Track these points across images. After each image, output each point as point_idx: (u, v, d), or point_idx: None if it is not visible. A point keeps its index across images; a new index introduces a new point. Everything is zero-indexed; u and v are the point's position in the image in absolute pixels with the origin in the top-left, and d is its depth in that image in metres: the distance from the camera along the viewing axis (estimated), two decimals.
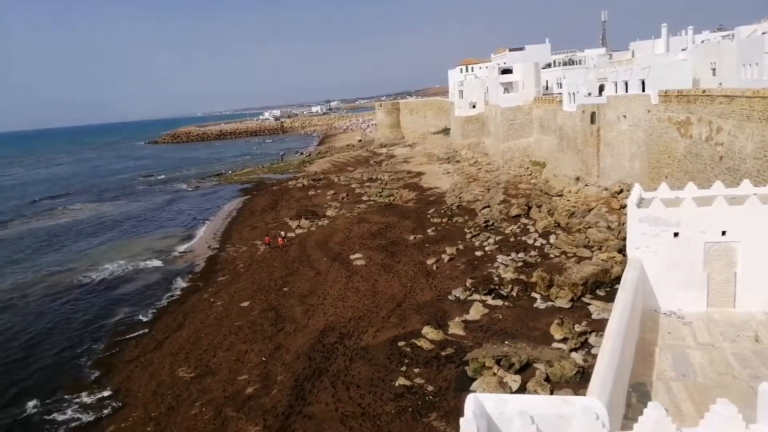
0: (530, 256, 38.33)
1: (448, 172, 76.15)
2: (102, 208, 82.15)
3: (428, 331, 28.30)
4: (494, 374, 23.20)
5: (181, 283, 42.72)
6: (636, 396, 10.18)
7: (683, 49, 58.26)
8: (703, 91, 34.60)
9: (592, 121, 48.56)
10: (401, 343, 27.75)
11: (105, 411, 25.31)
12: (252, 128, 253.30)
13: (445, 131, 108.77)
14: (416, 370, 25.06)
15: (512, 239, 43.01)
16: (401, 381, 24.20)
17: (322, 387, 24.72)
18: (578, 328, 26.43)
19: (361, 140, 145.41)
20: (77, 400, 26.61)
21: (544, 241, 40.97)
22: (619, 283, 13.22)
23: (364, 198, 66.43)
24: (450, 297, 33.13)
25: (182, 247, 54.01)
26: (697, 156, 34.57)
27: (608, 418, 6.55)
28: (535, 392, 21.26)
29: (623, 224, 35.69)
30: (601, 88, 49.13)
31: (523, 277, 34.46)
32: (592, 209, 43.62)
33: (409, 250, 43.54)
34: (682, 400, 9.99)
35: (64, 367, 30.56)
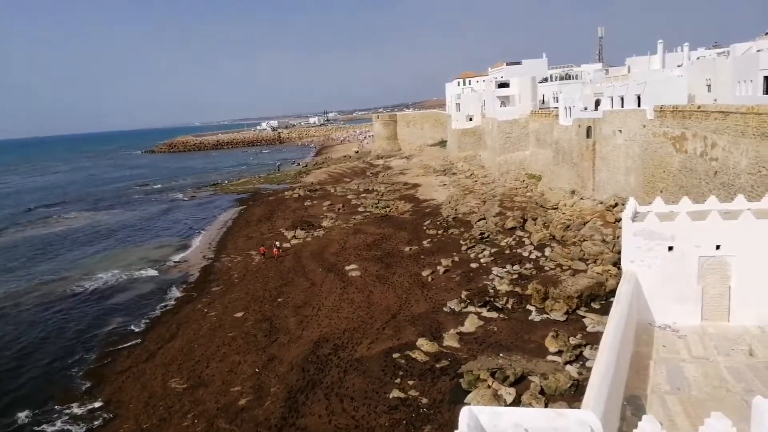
0: (525, 269, 38.33)
1: (445, 184, 76.35)
2: (97, 216, 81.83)
3: (423, 343, 28.18)
4: (489, 387, 23.08)
5: (175, 293, 42.47)
6: (631, 409, 10.15)
7: (679, 66, 58.95)
8: (698, 107, 34.92)
9: (588, 135, 48.89)
10: (396, 355, 27.60)
11: (96, 422, 25.01)
12: (249, 138, 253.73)
13: (442, 143, 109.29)
14: (411, 383, 24.91)
15: (507, 251, 43.02)
16: (395, 393, 24.03)
17: (315, 399, 24.52)
18: (573, 341, 26.37)
19: (358, 151, 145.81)
20: (68, 411, 26.31)
21: (539, 254, 41.01)
22: (613, 296, 13.23)
23: (360, 209, 66.45)
24: (445, 309, 33.04)
25: (177, 257, 53.78)
26: (692, 171, 34.79)
27: (603, 431, 6.53)
28: (530, 405, 21.17)
29: (618, 238, 35.78)
30: (597, 103, 49.56)
31: (518, 289, 34.42)
32: (587, 222, 43.75)
33: (405, 262, 43.48)
34: (676, 413, 9.96)
35: (56, 377, 30.24)
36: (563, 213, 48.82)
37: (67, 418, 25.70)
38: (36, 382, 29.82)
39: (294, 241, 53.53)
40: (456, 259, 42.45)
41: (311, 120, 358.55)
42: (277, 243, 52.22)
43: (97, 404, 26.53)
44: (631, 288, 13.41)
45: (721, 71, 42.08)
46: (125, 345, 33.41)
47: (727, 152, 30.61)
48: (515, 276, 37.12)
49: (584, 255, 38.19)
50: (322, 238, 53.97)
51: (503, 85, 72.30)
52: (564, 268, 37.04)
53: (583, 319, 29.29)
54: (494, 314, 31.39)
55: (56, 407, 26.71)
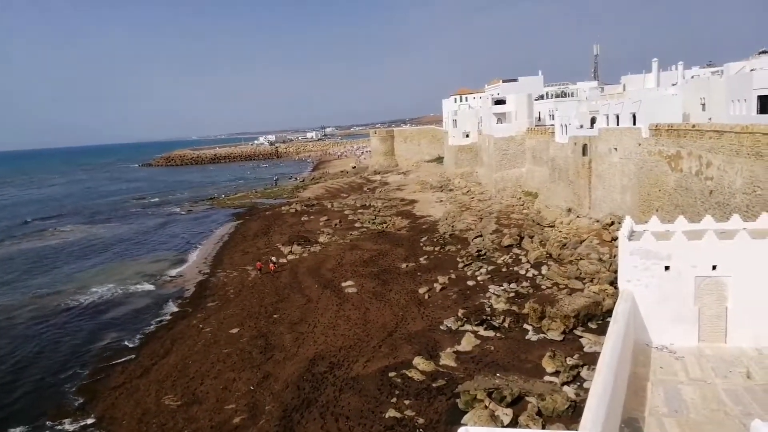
0: (522, 287, 38.28)
1: (441, 201, 76.49)
2: (93, 230, 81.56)
3: (419, 362, 28.00)
4: (486, 407, 22.88)
5: (170, 308, 42.20)
6: None
7: (673, 84, 59.60)
8: (693, 126, 35.23)
9: (584, 153, 49.19)
10: (392, 374, 27.39)
11: None
12: (246, 153, 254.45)
13: (439, 159, 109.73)
14: (407, 402, 24.69)
15: (504, 269, 43.00)
16: (391, 413, 23.80)
17: (310, 418, 24.26)
18: (570, 361, 26.24)
19: (355, 167, 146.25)
20: (59, 427, 25.99)
21: (536, 272, 40.98)
22: (610, 316, 13.22)
23: (357, 225, 66.44)
24: (442, 327, 32.88)
25: (173, 272, 53.54)
26: (687, 190, 34.99)
27: None
28: (527, 426, 20.99)
29: (615, 256, 35.82)
30: (593, 121, 49.95)
31: (515, 308, 34.34)
32: (583, 241, 43.82)
33: (401, 279, 43.37)
34: None
35: (49, 392, 29.90)
36: (560, 231, 48.91)
37: None
38: (29, 397, 29.47)
39: (290, 257, 53.39)
40: (453, 276, 42.38)
41: (309, 135, 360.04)
42: (274, 258, 52.06)
43: (89, 420, 26.21)
44: (628, 308, 13.40)
45: (715, 90, 42.54)
46: (119, 360, 33.09)
47: (722, 171, 30.83)
48: (512, 294, 37.05)
49: (581, 274, 38.19)
50: (318, 253, 53.86)
51: (500, 102, 72.91)
52: (561, 286, 37.01)
53: (580, 339, 29.17)
54: (491, 333, 31.25)
55: (48, 423, 26.39)
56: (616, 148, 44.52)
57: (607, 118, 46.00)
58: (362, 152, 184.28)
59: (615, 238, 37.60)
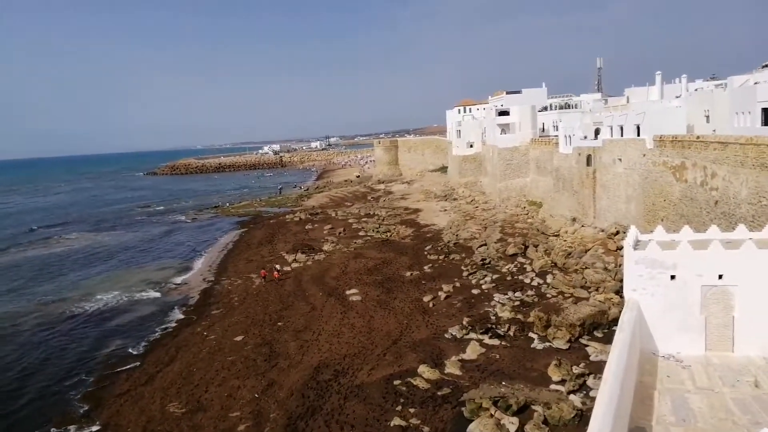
0: (527, 296, 38.26)
1: (445, 210, 76.59)
2: (99, 238, 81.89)
3: (424, 370, 27.98)
4: (491, 416, 22.85)
5: (174, 316, 42.29)
6: None
7: (677, 97, 59.72)
8: (698, 137, 35.34)
9: (588, 164, 49.32)
10: (397, 382, 27.38)
11: None
12: (251, 162, 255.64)
13: (443, 169, 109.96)
14: (412, 410, 24.66)
15: (509, 278, 42.99)
16: (396, 421, 23.78)
17: (315, 426, 24.25)
18: (576, 370, 26.19)
19: (359, 176, 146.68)
20: None
21: (541, 281, 40.97)
22: (616, 325, 13.25)
23: (361, 233, 66.55)
24: (446, 335, 32.87)
25: (178, 279, 53.69)
26: (693, 200, 35.03)
27: None
28: None
29: (620, 266, 35.81)
30: (597, 132, 50.14)
31: (520, 316, 34.32)
32: (588, 250, 43.81)
33: (406, 287, 43.40)
34: None
35: (54, 399, 29.96)
36: (564, 240, 48.93)
37: None
38: (35, 404, 29.53)
39: (294, 265, 53.50)
40: (457, 284, 42.40)
41: (313, 144, 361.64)
42: (278, 266, 52.18)
43: (94, 428, 26.25)
44: (634, 316, 13.43)
45: (719, 103, 42.70)
46: (124, 368, 33.15)
47: (727, 182, 30.89)
48: (517, 303, 37.04)
49: (586, 283, 38.17)
50: (322, 261, 53.96)
51: (503, 113, 73.19)
52: (566, 295, 36.99)
53: (586, 348, 29.14)
54: (496, 341, 31.23)
55: (53, 430, 26.44)
56: (620, 159, 44.63)
57: (611, 129, 46.17)
58: (366, 162, 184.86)
59: (620, 248, 37.62)
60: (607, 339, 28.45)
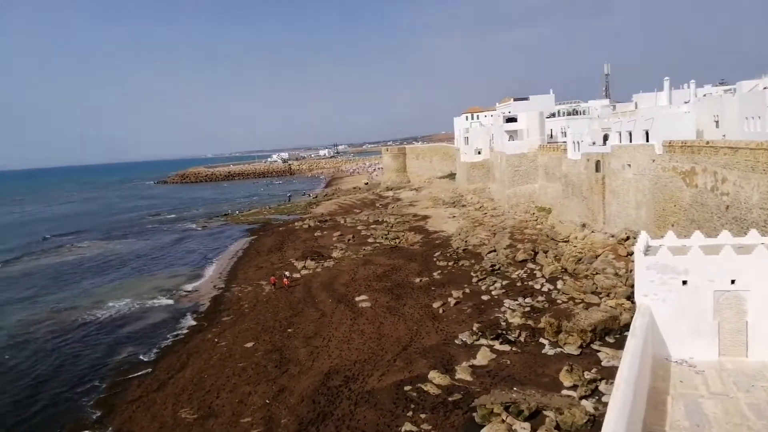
0: (537, 302, 38.16)
1: (454, 216, 76.58)
2: (110, 246, 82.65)
3: (435, 376, 27.98)
4: (503, 421, 22.81)
5: (185, 323, 42.57)
6: None
7: (686, 102, 59.61)
8: (707, 142, 35.22)
9: (597, 170, 49.21)
10: (407, 388, 27.39)
11: None
12: (260, 170, 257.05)
13: (451, 176, 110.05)
14: (423, 416, 24.66)
15: (519, 284, 42.90)
16: (408, 427, 23.78)
17: (326, 431, 24.30)
18: (588, 375, 26.08)
19: (367, 183, 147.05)
20: None
21: (551, 287, 40.84)
22: (628, 330, 13.25)
23: (370, 240, 66.68)
24: (456, 341, 32.85)
25: (189, 287, 54.04)
26: (703, 205, 34.86)
27: None
28: None
29: (631, 271, 35.65)
30: (605, 138, 50.04)
31: (530, 322, 34.23)
32: (599, 256, 43.64)
33: (415, 293, 43.42)
34: None
35: (67, 405, 30.24)
36: (574, 246, 48.77)
37: None
38: (48, 411, 29.81)
39: (304, 272, 53.70)
40: (467, 290, 42.36)
41: (321, 152, 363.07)
42: (287, 273, 52.41)
43: None
44: (646, 322, 13.42)
45: (728, 108, 42.56)
46: (136, 374, 33.41)
47: (738, 187, 30.74)
48: (527, 309, 36.94)
49: (597, 288, 38.02)
50: (332, 268, 54.11)
51: (511, 119, 73.25)
52: (577, 301, 36.86)
53: (598, 353, 29.00)
54: (507, 347, 31.16)
55: None
56: (629, 165, 44.51)
57: (620, 135, 46.09)
58: (374, 169, 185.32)
59: (630, 253, 37.48)
60: (619, 344, 28.30)
